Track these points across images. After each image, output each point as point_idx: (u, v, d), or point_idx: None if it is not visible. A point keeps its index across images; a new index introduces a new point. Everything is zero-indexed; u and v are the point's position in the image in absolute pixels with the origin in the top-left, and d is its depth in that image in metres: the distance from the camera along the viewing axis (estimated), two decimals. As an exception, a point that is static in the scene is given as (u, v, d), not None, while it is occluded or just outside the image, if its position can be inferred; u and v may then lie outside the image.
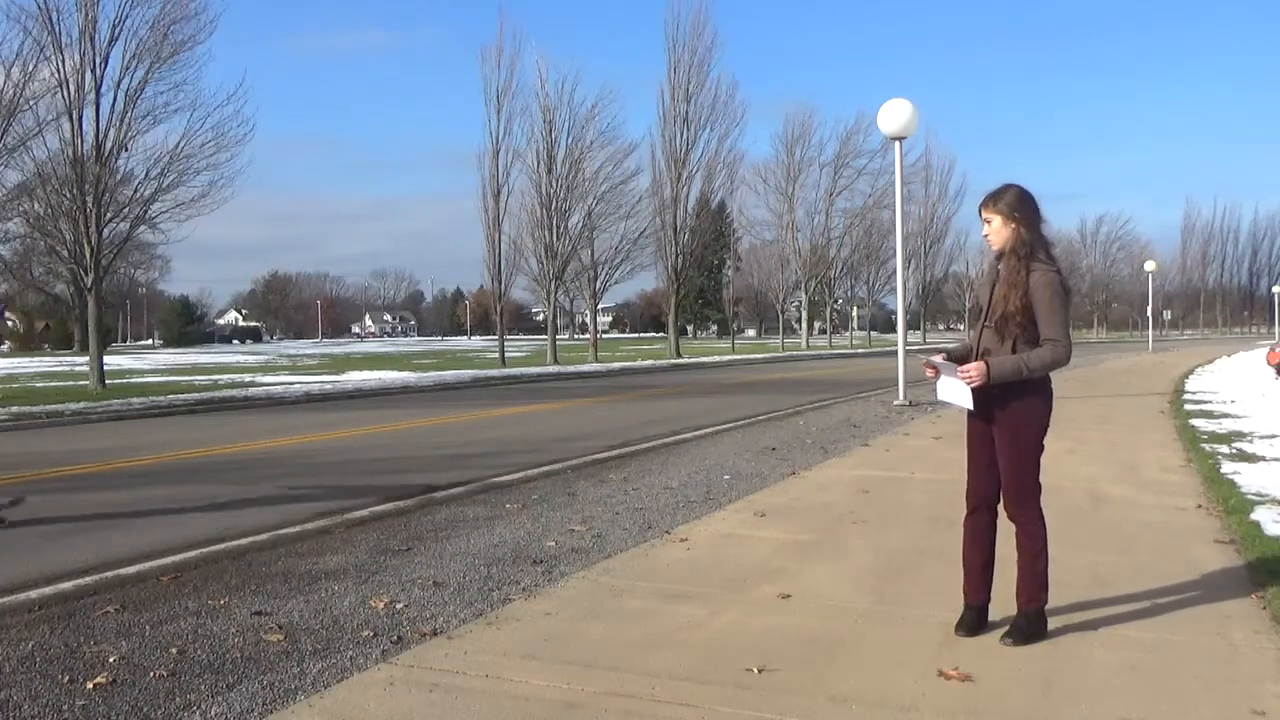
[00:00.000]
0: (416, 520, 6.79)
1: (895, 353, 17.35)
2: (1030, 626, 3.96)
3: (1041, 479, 4.03)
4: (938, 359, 3.99)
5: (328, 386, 22.96)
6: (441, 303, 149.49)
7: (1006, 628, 3.98)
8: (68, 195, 21.12)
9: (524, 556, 5.61)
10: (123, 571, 5.46)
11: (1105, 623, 4.21)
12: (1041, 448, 3.98)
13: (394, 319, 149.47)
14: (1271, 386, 18.65)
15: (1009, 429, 3.92)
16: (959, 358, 4.00)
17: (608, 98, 48.37)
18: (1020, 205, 3.90)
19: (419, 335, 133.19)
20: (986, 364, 3.80)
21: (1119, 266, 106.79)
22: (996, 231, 3.93)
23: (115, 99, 21.29)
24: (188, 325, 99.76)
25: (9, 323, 73.66)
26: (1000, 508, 4.03)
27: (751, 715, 3.27)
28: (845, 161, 60.92)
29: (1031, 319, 3.81)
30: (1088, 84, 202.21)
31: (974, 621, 4.06)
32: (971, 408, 3.91)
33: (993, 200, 3.96)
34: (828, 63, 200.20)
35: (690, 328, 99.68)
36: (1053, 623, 4.16)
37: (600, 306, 46.10)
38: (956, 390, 3.91)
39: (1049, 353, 3.82)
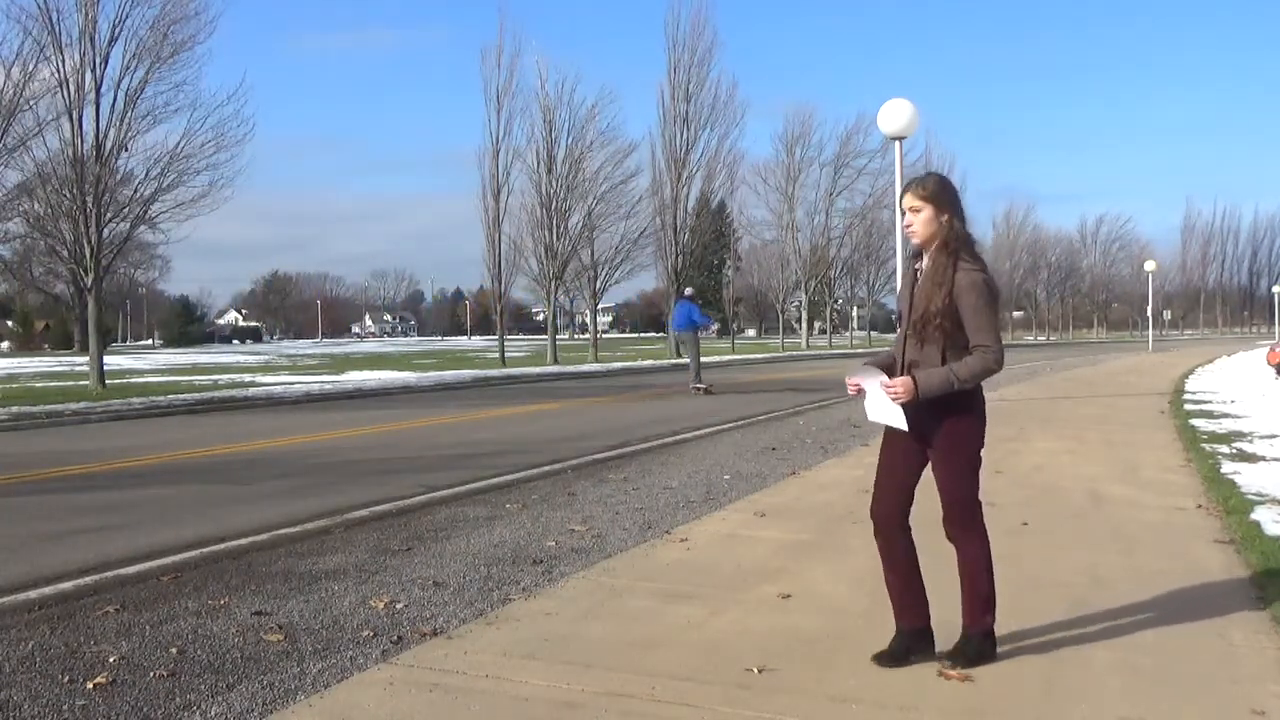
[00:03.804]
0: (416, 520, 6.79)
1: (895, 353, 17.33)
2: (976, 649, 3.66)
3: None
4: (859, 377, 3.64)
5: (328, 386, 22.95)
6: (441, 303, 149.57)
7: (949, 649, 3.70)
8: (68, 195, 21.10)
9: (524, 556, 5.62)
10: (123, 571, 5.46)
11: (1105, 623, 4.21)
12: (980, 460, 3.70)
13: (394, 319, 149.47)
14: (1271, 386, 18.65)
15: (945, 446, 3.61)
16: (885, 368, 3.67)
17: (608, 98, 48.28)
18: (951, 196, 3.57)
19: (419, 335, 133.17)
20: (913, 379, 3.46)
21: (1119, 266, 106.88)
22: (925, 223, 3.55)
23: (115, 99, 21.28)
24: (188, 325, 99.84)
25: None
26: (906, 523, 3.78)
27: (751, 715, 3.28)
28: (845, 161, 60.91)
29: (956, 321, 3.47)
30: (1087, 84, 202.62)
31: (903, 649, 3.69)
32: (905, 428, 3.56)
33: (921, 187, 3.57)
34: (828, 63, 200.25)
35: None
36: (1053, 622, 4.16)
37: (600, 306, 46.08)
38: (885, 409, 3.58)
39: (979, 361, 3.48)
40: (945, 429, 3.58)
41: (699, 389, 19.46)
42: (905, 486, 3.72)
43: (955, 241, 3.53)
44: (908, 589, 3.75)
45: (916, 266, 3.63)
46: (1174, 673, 3.62)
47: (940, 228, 3.54)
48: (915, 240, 3.58)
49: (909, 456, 3.68)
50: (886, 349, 3.84)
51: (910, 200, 3.57)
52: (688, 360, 20.84)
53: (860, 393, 3.68)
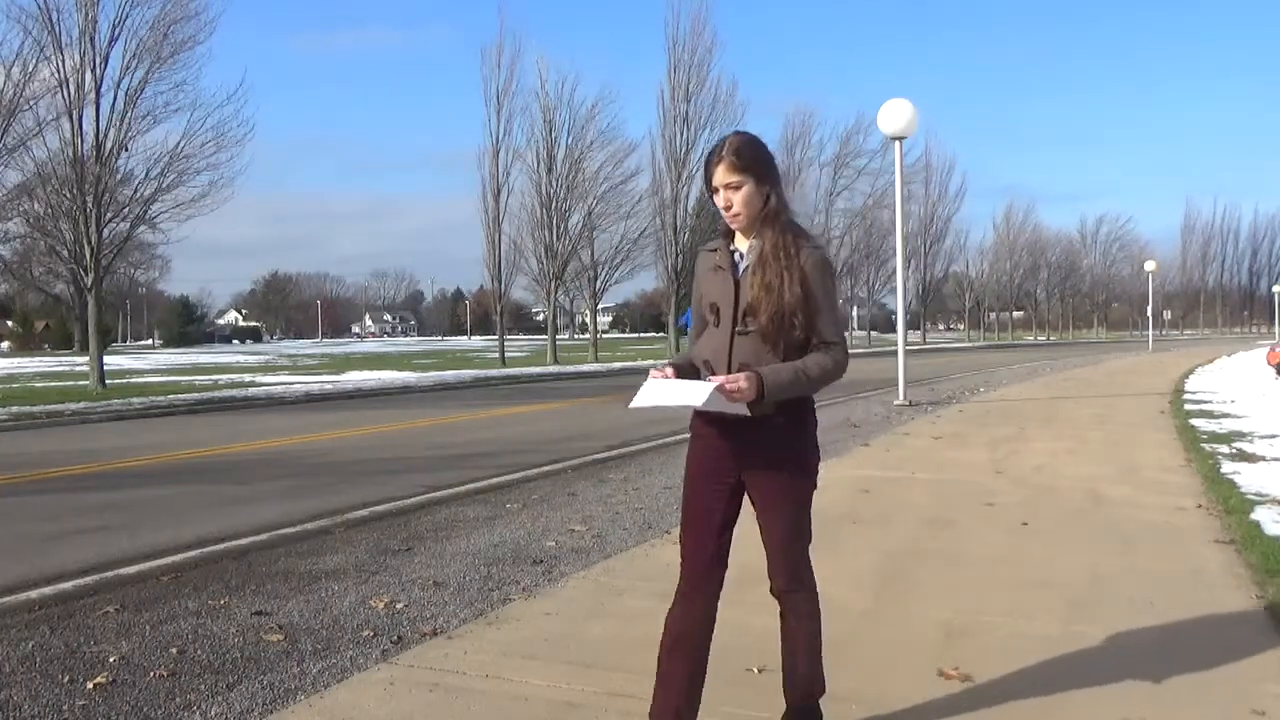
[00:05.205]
0: (416, 520, 6.79)
1: (895, 353, 17.35)
2: None
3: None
4: (660, 376, 2.80)
5: (328, 387, 22.95)
6: (441, 303, 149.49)
7: None
8: (68, 195, 21.12)
9: (524, 556, 5.62)
10: (123, 571, 5.46)
11: (1105, 623, 4.21)
12: (814, 491, 2.97)
13: (394, 319, 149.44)
14: (1271, 386, 18.65)
15: (785, 473, 2.86)
16: (686, 374, 2.88)
17: (608, 98, 48.48)
18: (771, 161, 2.89)
19: (419, 335, 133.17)
20: (758, 374, 2.70)
21: (1119, 266, 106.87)
22: (747, 200, 2.81)
23: (115, 99, 21.33)
24: (188, 325, 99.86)
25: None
26: (719, 586, 3.01)
27: (751, 715, 3.28)
28: (845, 161, 60.87)
29: (807, 315, 2.78)
30: (1088, 83, 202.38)
31: None
32: (747, 412, 2.73)
33: (737, 156, 2.82)
34: (828, 63, 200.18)
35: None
36: (1053, 623, 4.16)
37: (600, 306, 46.10)
38: (678, 393, 2.72)
39: (831, 360, 2.80)
40: (776, 455, 2.84)
41: None
42: (722, 532, 2.96)
43: (786, 214, 2.88)
44: (696, 680, 2.92)
45: (734, 249, 2.90)
46: (1174, 673, 3.62)
47: (770, 203, 2.85)
48: (738, 223, 2.85)
49: (722, 494, 2.90)
50: (679, 355, 3.07)
51: (725, 175, 2.81)
52: None
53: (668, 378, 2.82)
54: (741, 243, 2.89)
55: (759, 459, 2.84)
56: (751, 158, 2.83)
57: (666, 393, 2.73)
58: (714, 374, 2.79)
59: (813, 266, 2.79)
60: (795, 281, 2.76)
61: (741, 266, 2.87)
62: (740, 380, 2.68)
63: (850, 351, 2.89)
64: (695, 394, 2.67)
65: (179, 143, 21.72)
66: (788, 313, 2.76)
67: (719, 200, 2.85)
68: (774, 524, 2.90)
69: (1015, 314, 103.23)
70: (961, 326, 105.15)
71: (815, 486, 2.95)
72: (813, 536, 2.97)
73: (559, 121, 38.75)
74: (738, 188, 2.81)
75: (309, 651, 4.03)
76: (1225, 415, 13.13)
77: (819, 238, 2.96)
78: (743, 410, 2.72)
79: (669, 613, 3.00)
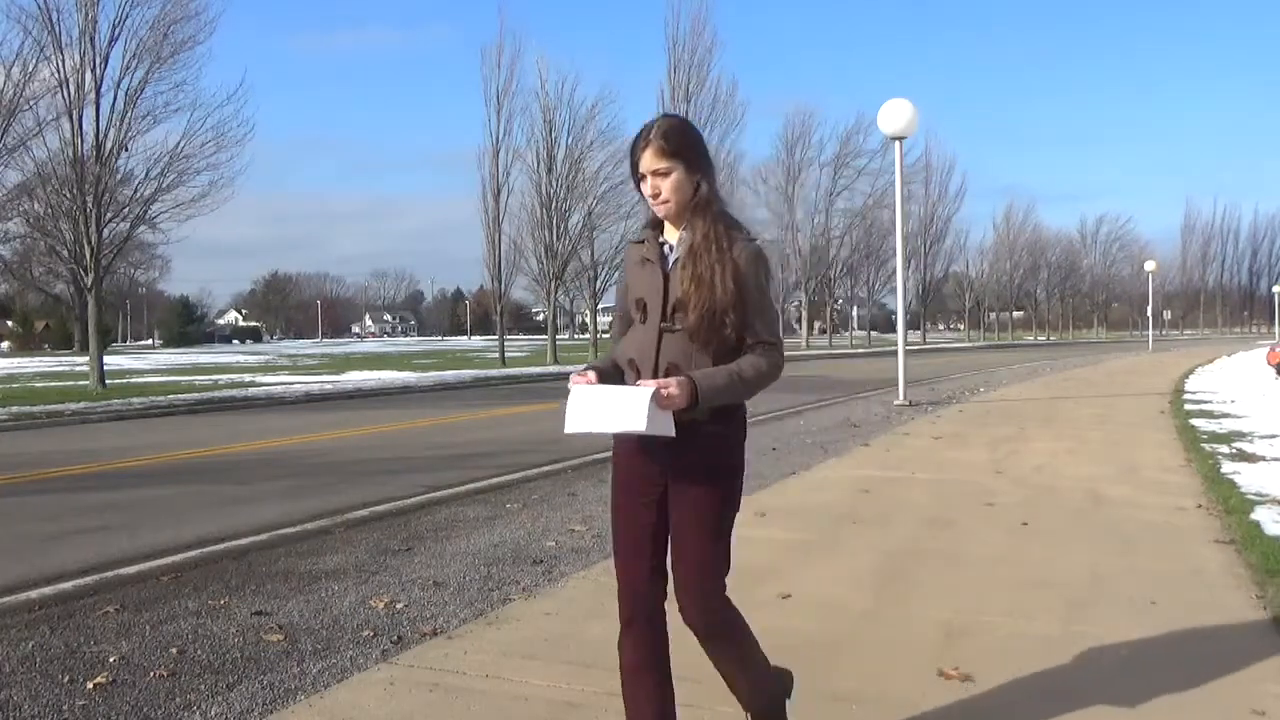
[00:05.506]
0: (416, 520, 6.79)
1: (895, 353, 17.35)
2: None
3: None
4: (582, 382, 2.59)
5: (328, 387, 22.95)
6: (441, 303, 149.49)
7: None
8: (68, 195, 21.11)
9: (524, 556, 5.62)
10: (123, 571, 5.46)
11: (1105, 622, 4.21)
12: (738, 508, 2.76)
13: (394, 319, 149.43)
14: (1271, 386, 18.65)
15: (710, 489, 2.65)
16: (610, 379, 2.68)
17: (608, 98, 48.42)
18: (702, 147, 2.71)
19: (419, 335, 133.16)
20: (690, 378, 2.50)
21: (1119, 266, 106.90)
22: (676, 187, 2.63)
23: (115, 99, 21.31)
24: (188, 325, 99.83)
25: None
26: (663, 605, 2.78)
27: (751, 715, 3.27)
28: (845, 161, 60.99)
29: (741, 313, 2.59)
30: (1088, 83, 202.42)
31: None
32: (673, 433, 2.51)
33: (665, 140, 2.63)
34: (828, 63, 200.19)
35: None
36: (1053, 622, 4.16)
37: (600, 306, 46.03)
38: (623, 413, 2.47)
39: (766, 362, 2.60)
40: (703, 467, 2.64)
41: None
42: (659, 551, 2.77)
43: (719, 204, 2.69)
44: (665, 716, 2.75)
45: (663, 241, 2.71)
46: (1174, 673, 3.62)
47: (701, 192, 2.66)
48: (667, 212, 2.67)
49: (653, 506, 2.74)
50: (602, 358, 2.87)
51: (653, 160, 2.62)
52: None
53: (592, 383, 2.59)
54: (671, 234, 2.70)
55: (683, 469, 2.64)
56: (681, 142, 2.64)
57: (599, 408, 2.49)
58: (640, 376, 2.62)
59: (746, 260, 2.60)
60: (728, 276, 2.56)
61: (671, 259, 2.67)
62: (672, 385, 2.47)
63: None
64: (632, 411, 2.44)
65: (179, 143, 21.74)
66: (719, 310, 2.56)
67: (646, 188, 2.66)
68: (689, 546, 2.68)
69: (1015, 314, 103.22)
70: (961, 326, 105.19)
71: (737, 509, 2.71)
72: (731, 566, 2.72)
73: (559, 121, 38.73)
74: (666, 174, 2.63)
75: (309, 651, 4.03)
76: (1225, 415, 13.13)
77: (753, 230, 2.77)
78: (669, 431, 2.49)
79: (619, 644, 2.82)
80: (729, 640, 2.76)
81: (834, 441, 10.91)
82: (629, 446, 2.72)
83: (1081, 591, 4.70)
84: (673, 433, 2.50)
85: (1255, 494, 6.96)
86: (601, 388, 2.55)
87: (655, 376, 2.58)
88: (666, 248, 2.71)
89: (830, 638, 4.09)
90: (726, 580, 2.73)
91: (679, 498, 2.68)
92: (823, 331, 71.61)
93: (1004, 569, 5.17)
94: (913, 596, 4.66)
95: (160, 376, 30.45)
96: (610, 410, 2.49)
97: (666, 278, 2.65)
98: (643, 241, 2.76)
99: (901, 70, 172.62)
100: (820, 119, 79.88)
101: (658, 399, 2.45)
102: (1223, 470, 8.13)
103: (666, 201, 2.65)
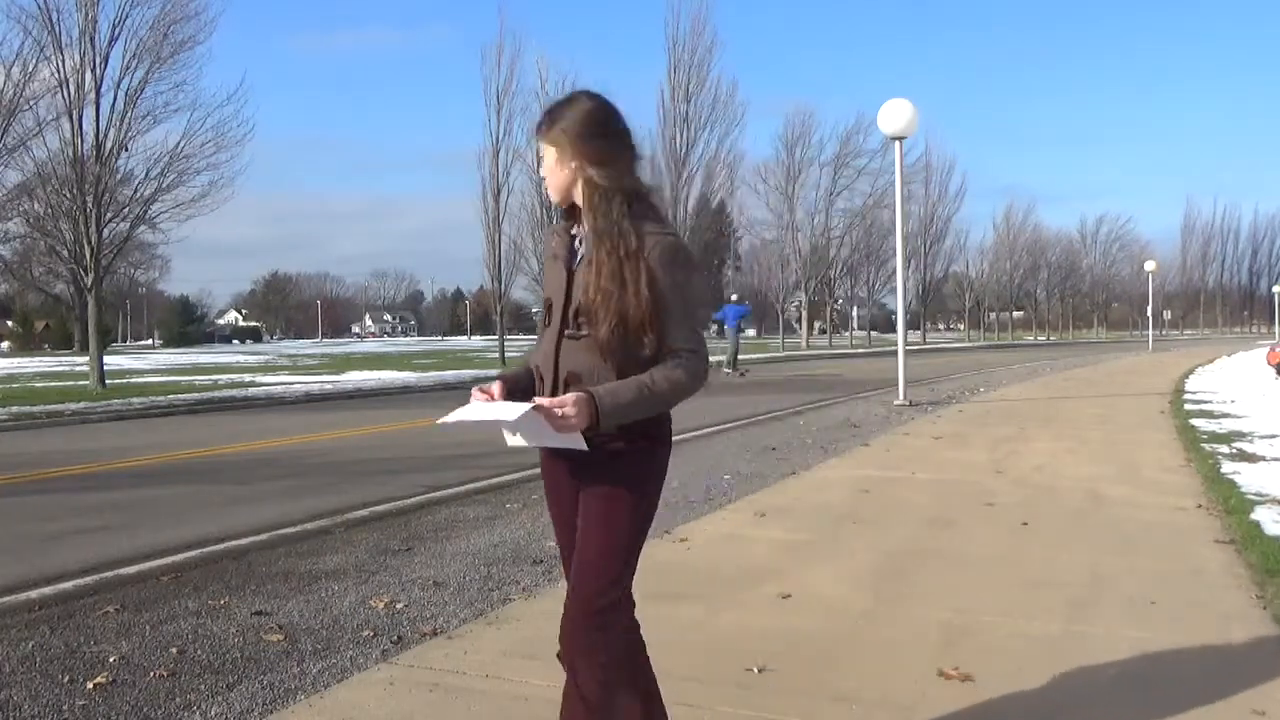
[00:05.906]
0: (416, 520, 6.79)
1: (895, 353, 17.35)
2: None
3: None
4: (482, 398, 2.35)
5: (328, 386, 22.95)
6: (441, 303, 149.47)
7: None
8: (68, 195, 21.09)
9: (524, 556, 5.62)
10: (123, 571, 5.46)
11: (1105, 622, 4.21)
12: (648, 527, 2.48)
13: (394, 319, 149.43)
14: (1271, 386, 18.65)
15: (614, 505, 2.38)
16: (520, 386, 2.42)
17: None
18: (595, 127, 2.36)
19: (419, 335, 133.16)
20: (590, 395, 2.22)
21: (1119, 266, 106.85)
22: (551, 170, 2.38)
23: (115, 99, 21.26)
24: (187, 325, 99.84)
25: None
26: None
27: (751, 715, 3.28)
28: (845, 161, 60.85)
29: (660, 323, 2.28)
30: (1088, 83, 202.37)
31: None
32: (585, 447, 2.29)
33: (549, 115, 2.39)
34: (828, 63, 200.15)
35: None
36: (1053, 622, 4.16)
37: (600, 306, 46.08)
38: (536, 429, 2.26)
39: (684, 372, 2.30)
40: (609, 481, 2.38)
41: (729, 374, 24.39)
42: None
43: (626, 195, 2.32)
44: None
45: (574, 233, 2.43)
46: (1174, 673, 3.62)
47: (589, 177, 2.34)
48: (559, 199, 2.41)
49: (575, 511, 2.48)
50: (515, 366, 2.63)
51: (539, 137, 2.40)
52: (726, 352, 25.78)
53: (494, 398, 2.34)
54: (588, 227, 2.36)
55: (590, 480, 2.39)
56: (556, 120, 2.36)
57: (479, 412, 2.28)
58: (542, 382, 2.38)
59: (661, 261, 2.27)
60: (642, 282, 2.25)
61: (579, 255, 2.39)
62: (568, 404, 2.18)
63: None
64: (508, 415, 2.21)
65: (179, 143, 21.71)
66: (632, 325, 2.26)
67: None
68: (583, 565, 2.38)
69: (1015, 314, 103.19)
70: (961, 326, 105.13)
71: (646, 532, 2.43)
72: (631, 576, 2.41)
73: (559, 121, 38.77)
74: (545, 154, 2.37)
75: (309, 651, 4.03)
76: (1225, 415, 13.13)
77: (669, 220, 2.48)
78: (578, 444, 2.25)
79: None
80: (588, 671, 2.38)
81: (834, 441, 10.91)
82: (546, 454, 2.50)
83: (1081, 591, 4.70)
84: (583, 446, 2.27)
85: (1255, 494, 6.97)
86: (490, 404, 2.32)
87: (555, 387, 2.35)
88: (577, 241, 2.42)
89: (830, 638, 4.09)
90: (617, 608, 2.39)
91: (584, 510, 2.42)
92: (823, 331, 71.61)
93: (1004, 569, 5.17)
94: (913, 596, 4.66)
95: (160, 376, 30.44)
96: (488, 412, 2.28)
97: (570, 276, 2.38)
98: (556, 233, 2.49)
99: (901, 70, 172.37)
100: (820, 119, 79.90)
101: (551, 421, 2.20)
102: (1223, 470, 8.13)
103: (548, 186, 2.42)
